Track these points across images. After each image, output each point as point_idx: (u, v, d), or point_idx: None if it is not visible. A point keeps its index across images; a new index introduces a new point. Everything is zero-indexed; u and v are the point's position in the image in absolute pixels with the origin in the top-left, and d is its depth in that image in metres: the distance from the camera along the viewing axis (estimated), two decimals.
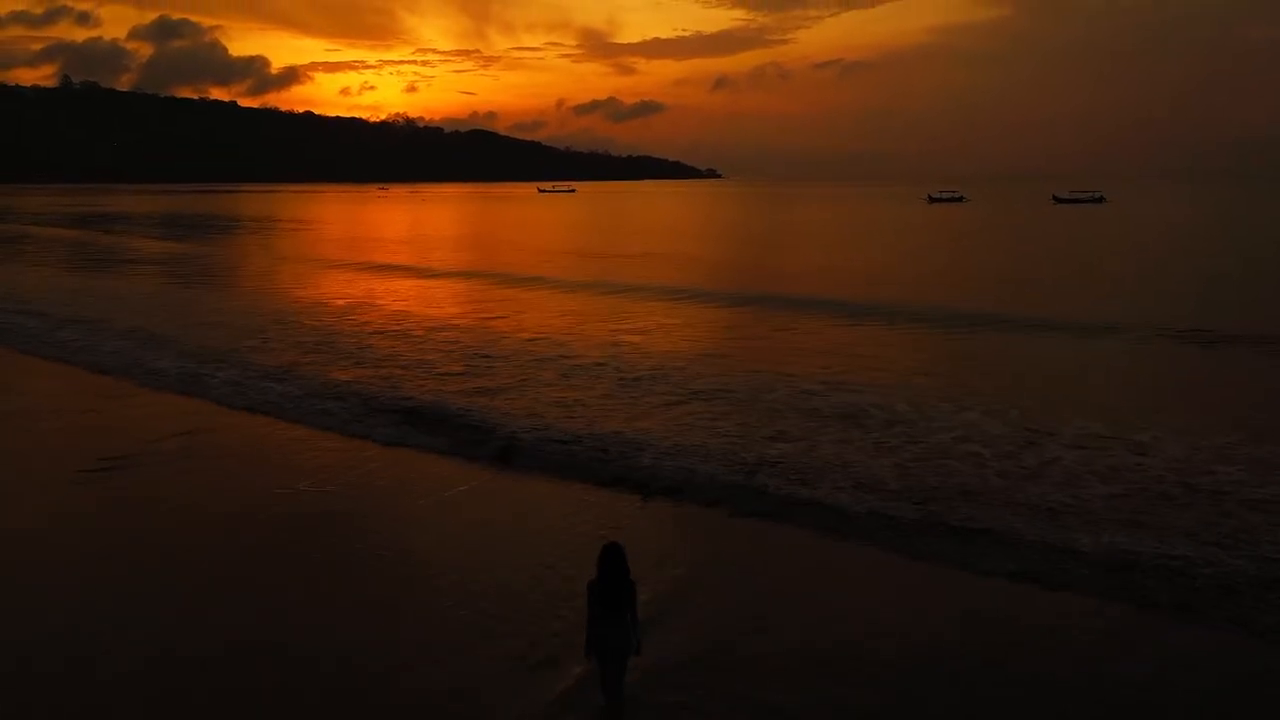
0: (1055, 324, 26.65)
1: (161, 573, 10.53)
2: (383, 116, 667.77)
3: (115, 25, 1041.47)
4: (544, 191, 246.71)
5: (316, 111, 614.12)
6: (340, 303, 32.39)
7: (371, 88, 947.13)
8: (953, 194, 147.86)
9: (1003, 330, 26.35)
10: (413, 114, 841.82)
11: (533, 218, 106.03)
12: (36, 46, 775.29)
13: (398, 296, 34.41)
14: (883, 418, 16.35)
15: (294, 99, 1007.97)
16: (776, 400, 17.67)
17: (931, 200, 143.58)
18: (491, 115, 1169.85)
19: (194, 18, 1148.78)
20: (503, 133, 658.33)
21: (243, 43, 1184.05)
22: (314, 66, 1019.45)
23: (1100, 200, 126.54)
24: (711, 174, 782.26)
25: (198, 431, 16.23)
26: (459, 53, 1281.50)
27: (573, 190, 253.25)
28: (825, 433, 15.52)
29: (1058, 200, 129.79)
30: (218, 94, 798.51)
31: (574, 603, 8.76)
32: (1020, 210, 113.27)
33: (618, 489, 13.11)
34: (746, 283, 38.13)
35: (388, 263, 47.78)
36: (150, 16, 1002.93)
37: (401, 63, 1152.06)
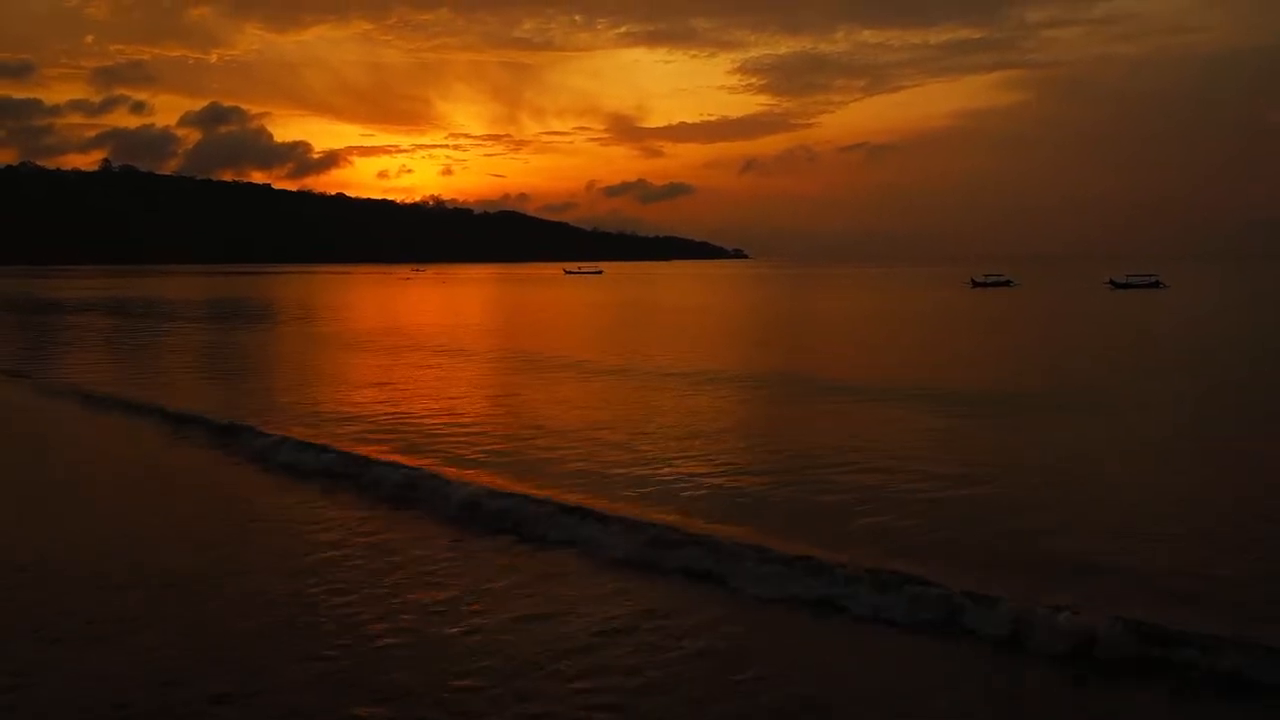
0: None
1: None
2: (417, 198, 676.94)
3: (168, 113, 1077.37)
4: (570, 273, 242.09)
5: (352, 194, 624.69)
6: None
7: (409, 171, 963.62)
8: (998, 278, 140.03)
9: None
10: (446, 196, 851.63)
11: (552, 313, 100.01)
12: (91, 134, 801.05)
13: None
14: None
15: (331, 182, 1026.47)
16: None
17: (975, 285, 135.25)
18: (523, 197, 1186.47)
19: (244, 104, 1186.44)
20: (532, 213, 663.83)
21: (286, 128, 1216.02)
22: (351, 151, 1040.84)
23: (1157, 285, 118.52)
24: (738, 254, 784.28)
25: None
26: (490, 137, 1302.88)
27: (599, 271, 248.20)
28: None
29: (1115, 285, 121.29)
30: (258, 177, 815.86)
31: None
32: (1081, 297, 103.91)
33: None
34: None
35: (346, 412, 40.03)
36: (201, 104, 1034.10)
37: (434, 147, 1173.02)
